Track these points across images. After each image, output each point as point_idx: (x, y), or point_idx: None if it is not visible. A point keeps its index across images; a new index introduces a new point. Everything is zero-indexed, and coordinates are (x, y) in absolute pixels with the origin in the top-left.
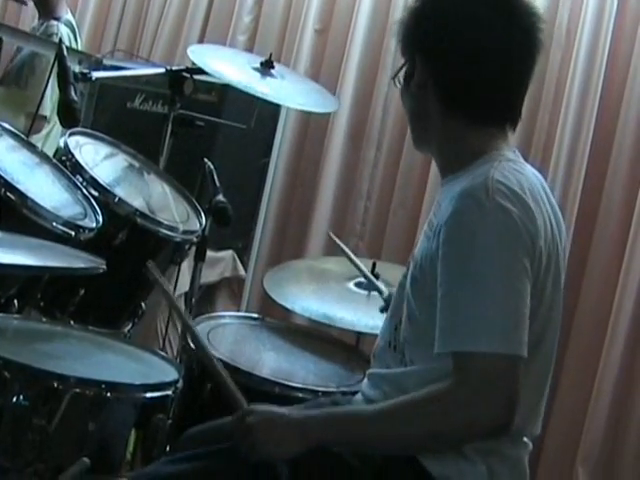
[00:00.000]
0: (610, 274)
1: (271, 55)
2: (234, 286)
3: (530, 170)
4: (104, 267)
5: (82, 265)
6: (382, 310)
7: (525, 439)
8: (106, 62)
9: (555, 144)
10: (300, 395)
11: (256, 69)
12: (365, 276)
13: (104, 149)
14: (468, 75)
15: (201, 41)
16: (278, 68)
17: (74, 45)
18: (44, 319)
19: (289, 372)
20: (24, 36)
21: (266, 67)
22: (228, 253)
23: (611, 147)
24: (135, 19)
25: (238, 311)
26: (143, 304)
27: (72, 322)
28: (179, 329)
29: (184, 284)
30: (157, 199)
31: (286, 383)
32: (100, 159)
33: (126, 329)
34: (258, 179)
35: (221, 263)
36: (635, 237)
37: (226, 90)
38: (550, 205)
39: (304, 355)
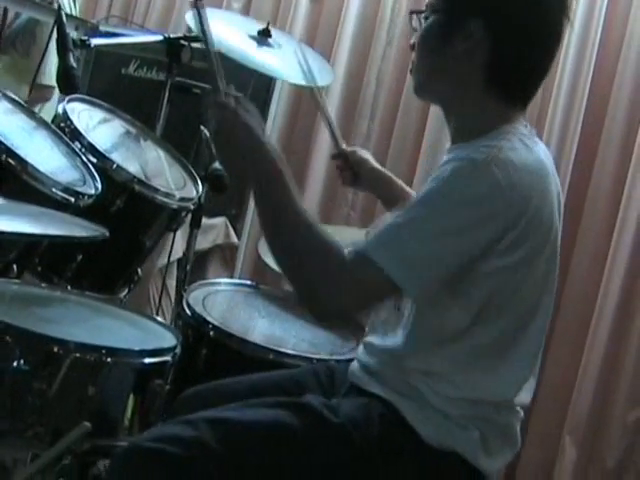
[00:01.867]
0: (599, 249)
1: (268, 24)
2: (226, 253)
3: (541, 147)
4: (107, 235)
5: (85, 234)
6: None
7: (517, 408)
8: (101, 28)
9: (547, 122)
10: (292, 362)
11: (253, 37)
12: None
13: (101, 116)
14: (523, 53)
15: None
16: (275, 36)
17: (74, 12)
18: (43, 284)
19: (283, 339)
20: (25, 2)
21: (263, 36)
22: (221, 220)
23: (601, 131)
24: None
25: (231, 278)
26: (139, 270)
27: (69, 287)
28: (172, 296)
29: (177, 250)
30: (153, 166)
31: (280, 350)
32: (97, 126)
33: (122, 295)
34: None
35: (213, 230)
36: (625, 214)
37: (222, 57)
38: (555, 185)
39: (298, 322)
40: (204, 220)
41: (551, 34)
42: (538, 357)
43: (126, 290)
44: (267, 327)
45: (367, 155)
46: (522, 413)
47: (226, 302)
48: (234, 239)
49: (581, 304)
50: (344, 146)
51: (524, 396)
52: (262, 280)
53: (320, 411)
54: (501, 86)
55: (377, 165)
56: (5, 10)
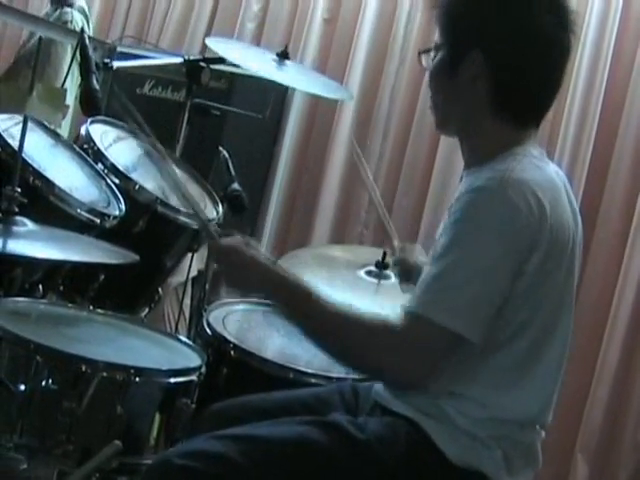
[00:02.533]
0: (611, 265)
1: (286, 46)
2: None
3: (553, 168)
4: (137, 260)
5: (116, 260)
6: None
7: (537, 427)
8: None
9: (559, 137)
10: (312, 380)
11: (273, 60)
12: (379, 205)
13: (123, 136)
14: (528, 75)
15: (210, 28)
16: (291, 62)
17: (88, 32)
18: (69, 304)
19: (302, 358)
20: (42, 23)
21: (282, 58)
22: None
23: (614, 143)
24: (144, 5)
25: (244, 297)
26: (160, 290)
27: (91, 307)
28: (187, 315)
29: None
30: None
31: (299, 369)
32: (119, 146)
33: (143, 314)
34: (265, 167)
35: None
36: (636, 231)
37: (235, 78)
38: (570, 203)
39: None
40: None
41: (554, 56)
42: (560, 374)
43: (147, 309)
44: (286, 346)
45: (417, 251)
46: (543, 433)
47: (246, 321)
48: None
49: (592, 323)
50: (396, 244)
51: (546, 415)
52: None
53: (347, 428)
54: (507, 110)
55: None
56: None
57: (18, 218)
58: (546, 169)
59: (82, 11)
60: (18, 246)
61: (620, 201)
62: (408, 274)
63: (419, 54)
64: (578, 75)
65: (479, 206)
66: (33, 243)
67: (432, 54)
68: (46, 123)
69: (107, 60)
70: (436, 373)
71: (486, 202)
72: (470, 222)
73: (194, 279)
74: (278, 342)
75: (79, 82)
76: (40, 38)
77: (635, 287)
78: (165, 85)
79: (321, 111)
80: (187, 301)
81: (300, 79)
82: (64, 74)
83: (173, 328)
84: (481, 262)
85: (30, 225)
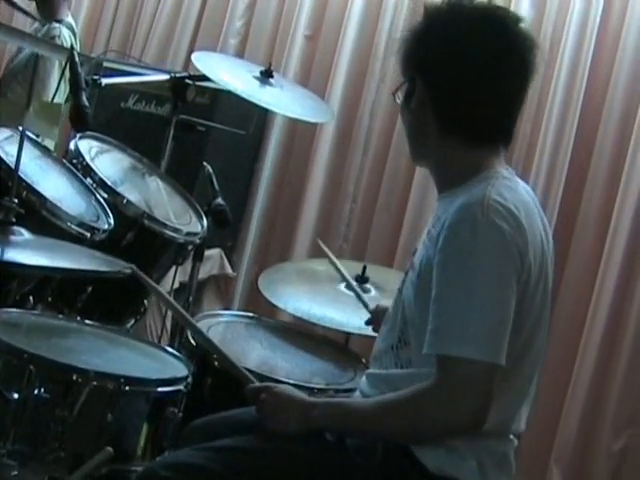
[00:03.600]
0: (587, 278)
1: (270, 64)
2: (221, 284)
3: (523, 187)
4: (130, 271)
5: (111, 269)
6: (367, 323)
7: (511, 436)
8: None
9: (536, 154)
10: None
11: (256, 77)
12: (350, 286)
13: (110, 151)
14: (466, 98)
15: (193, 43)
16: (276, 77)
17: (76, 47)
18: (59, 315)
19: (285, 369)
20: (29, 38)
21: (265, 76)
22: (216, 252)
23: (590, 157)
24: (128, 20)
25: (225, 308)
26: (146, 302)
27: (78, 318)
28: (169, 326)
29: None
30: (156, 201)
31: (282, 380)
32: (106, 161)
33: (128, 325)
34: (247, 181)
35: (209, 261)
36: (611, 244)
37: (218, 94)
38: (541, 219)
39: (299, 353)
40: None
41: (497, 77)
42: (534, 386)
43: (133, 321)
44: (269, 357)
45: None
46: (516, 442)
47: (229, 333)
48: (229, 270)
49: (568, 335)
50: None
51: (518, 425)
52: (257, 310)
53: (326, 438)
54: (458, 134)
55: None
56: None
57: (15, 228)
58: (517, 189)
59: (70, 27)
60: (17, 255)
61: (596, 215)
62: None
63: (393, 94)
64: (555, 92)
65: (465, 238)
66: (31, 251)
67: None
68: (36, 138)
69: (96, 77)
70: (488, 406)
71: (472, 232)
72: (461, 256)
73: (176, 291)
74: (261, 354)
75: (65, 97)
76: (37, 55)
77: (610, 300)
78: (149, 99)
79: (302, 127)
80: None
81: (283, 98)
82: (52, 88)
83: (156, 339)
84: (485, 290)
85: (27, 235)
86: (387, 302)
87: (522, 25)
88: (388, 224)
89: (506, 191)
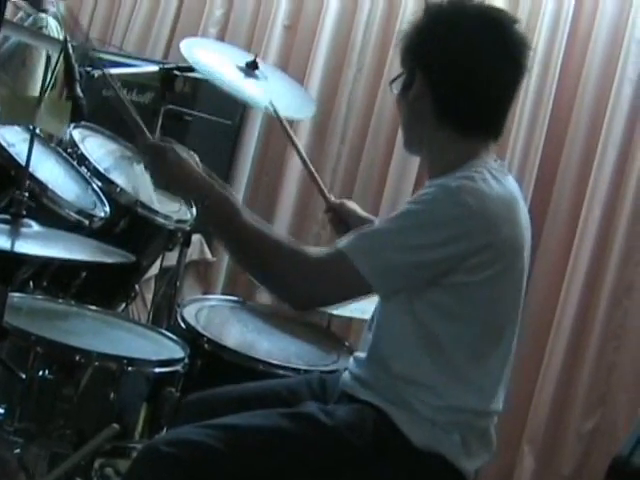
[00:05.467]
0: (558, 266)
1: (256, 56)
2: (200, 269)
3: (511, 180)
4: (133, 260)
5: (113, 259)
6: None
7: (492, 414)
8: None
9: (510, 143)
10: (280, 372)
11: (240, 68)
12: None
13: (100, 140)
14: (464, 91)
15: (173, 32)
16: (261, 68)
17: (61, 37)
18: (59, 300)
19: (270, 351)
20: (18, 28)
21: (250, 68)
22: (196, 237)
23: (562, 150)
24: (108, 8)
25: (205, 293)
26: (137, 287)
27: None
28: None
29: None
30: (145, 188)
31: (268, 361)
32: (97, 149)
33: (120, 309)
34: (226, 170)
35: (189, 247)
36: (582, 235)
37: (199, 82)
38: (524, 213)
39: (283, 336)
40: None
41: (493, 74)
42: (510, 368)
43: (123, 305)
44: (255, 340)
45: (354, 205)
46: (496, 419)
47: (217, 316)
48: (208, 255)
49: (539, 319)
50: (332, 199)
51: (497, 403)
52: (237, 294)
53: (317, 416)
54: (452, 125)
55: (364, 214)
56: None
57: (25, 220)
58: (505, 182)
59: (56, 17)
60: (28, 246)
61: (567, 207)
62: (346, 223)
63: (390, 84)
64: (528, 85)
65: (434, 198)
66: (43, 243)
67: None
68: (37, 130)
69: (89, 69)
70: (334, 303)
71: (440, 196)
72: (420, 206)
73: (156, 276)
74: (246, 336)
75: (51, 87)
76: (25, 45)
77: (580, 286)
78: (131, 88)
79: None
80: (149, 297)
81: (268, 92)
82: (39, 78)
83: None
84: (414, 241)
85: (36, 227)
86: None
87: (518, 26)
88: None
89: (491, 179)
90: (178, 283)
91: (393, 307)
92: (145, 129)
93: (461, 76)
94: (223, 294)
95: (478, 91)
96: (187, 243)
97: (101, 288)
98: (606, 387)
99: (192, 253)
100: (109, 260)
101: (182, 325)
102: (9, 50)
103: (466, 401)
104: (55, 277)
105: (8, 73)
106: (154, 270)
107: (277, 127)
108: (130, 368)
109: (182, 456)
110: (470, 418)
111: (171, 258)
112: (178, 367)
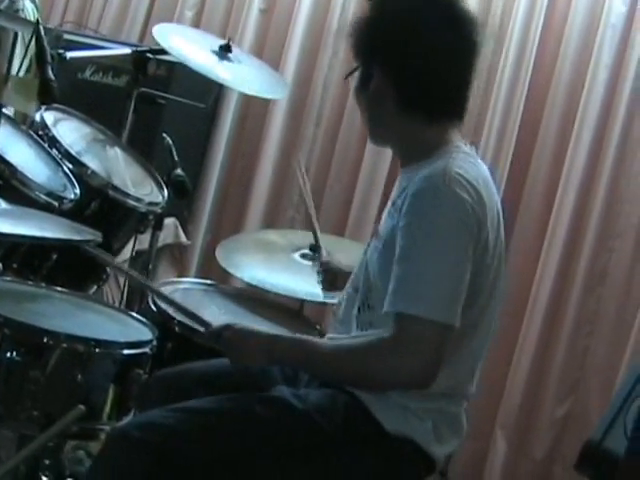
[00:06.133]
0: (531, 253)
1: (230, 40)
2: (175, 252)
3: (483, 165)
4: (100, 239)
5: (82, 237)
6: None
7: (463, 397)
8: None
9: (485, 127)
10: None
11: (214, 52)
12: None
13: (72, 122)
14: (423, 80)
15: (149, 14)
16: (234, 52)
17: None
18: (28, 281)
19: None
20: None
21: (224, 51)
22: (170, 220)
23: (537, 131)
24: None
25: (180, 276)
26: (108, 269)
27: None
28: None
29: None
30: (118, 170)
31: None
32: (69, 132)
33: (91, 292)
34: (202, 153)
35: (164, 230)
36: (555, 222)
37: (174, 65)
38: (496, 197)
39: (255, 319)
40: None
41: (448, 57)
42: (485, 352)
43: (95, 288)
44: (226, 322)
45: (341, 265)
46: (466, 404)
47: (190, 299)
48: (183, 239)
49: (513, 305)
50: (324, 255)
51: (470, 387)
52: (211, 278)
53: (289, 400)
54: (419, 114)
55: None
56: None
57: None
58: (479, 165)
59: (32, 0)
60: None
61: (540, 194)
62: (332, 280)
63: (346, 77)
64: (504, 69)
65: (428, 205)
66: (12, 220)
67: (355, 75)
68: (5, 111)
69: (61, 51)
70: (438, 365)
71: (434, 200)
72: (424, 221)
73: (132, 259)
74: (219, 319)
75: (26, 70)
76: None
77: (554, 272)
78: (106, 71)
79: (256, 100)
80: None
81: (241, 74)
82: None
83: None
84: (443, 256)
85: (3, 204)
86: (336, 259)
87: (466, 6)
88: (340, 195)
89: (467, 165)
90: (151, 266)
91: (376, 297)
92: (202, 319)
93: (420, 66)
94: (197, 277)
95: (439, 76)
96: (159, 226)
97: (72, 270)
98: (579, 372)
99: (167, 237)
100: (78, 237)
101: (153, 308)
102: None
103: (438, 387)
104: (26, 258)
105: None
106: (127, 253)
107: (252, 109)
108: (98, 350)
109: (153, 440)
110: (443, 403)
111: (144, 241)
112: (146, 349)
